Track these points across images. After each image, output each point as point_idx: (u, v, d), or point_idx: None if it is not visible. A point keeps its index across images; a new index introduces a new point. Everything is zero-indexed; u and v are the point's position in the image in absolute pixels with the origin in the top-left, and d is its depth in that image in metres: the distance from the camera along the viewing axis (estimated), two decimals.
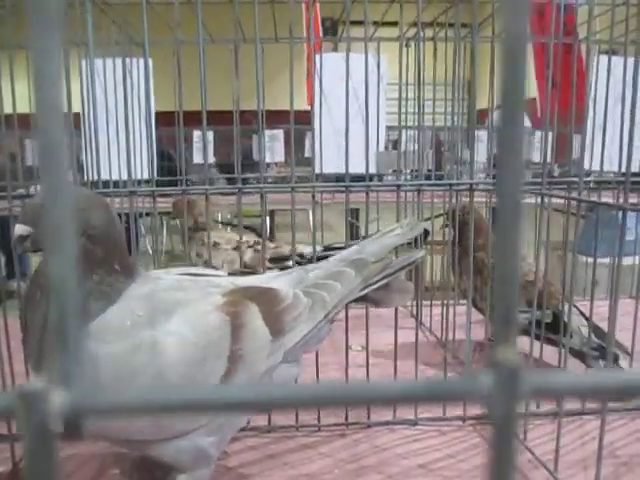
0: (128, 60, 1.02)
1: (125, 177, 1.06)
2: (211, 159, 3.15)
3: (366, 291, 0.69)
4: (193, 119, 0.98)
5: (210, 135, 2.58)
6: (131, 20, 0.96)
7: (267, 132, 2.47)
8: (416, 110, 1.12)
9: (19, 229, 0.60)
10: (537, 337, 0.88)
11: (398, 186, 0.82)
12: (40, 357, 0.59)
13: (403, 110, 0.98)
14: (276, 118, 1.71)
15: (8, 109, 0.83)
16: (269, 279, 0.70)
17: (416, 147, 1.24)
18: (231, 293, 0.64)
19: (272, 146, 2.70)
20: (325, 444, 0.84)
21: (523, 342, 0.94)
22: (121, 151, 1.10)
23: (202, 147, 2.47)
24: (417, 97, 0.87)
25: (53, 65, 0.12)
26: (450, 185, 0.84)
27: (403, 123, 0.95)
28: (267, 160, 2.79)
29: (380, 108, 1.07)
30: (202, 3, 0.82)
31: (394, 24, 1.33)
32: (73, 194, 0.13)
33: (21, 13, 0.84)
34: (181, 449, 0.62)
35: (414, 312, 1.38)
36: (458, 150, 1.09)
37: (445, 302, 1.06)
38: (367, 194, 0.83)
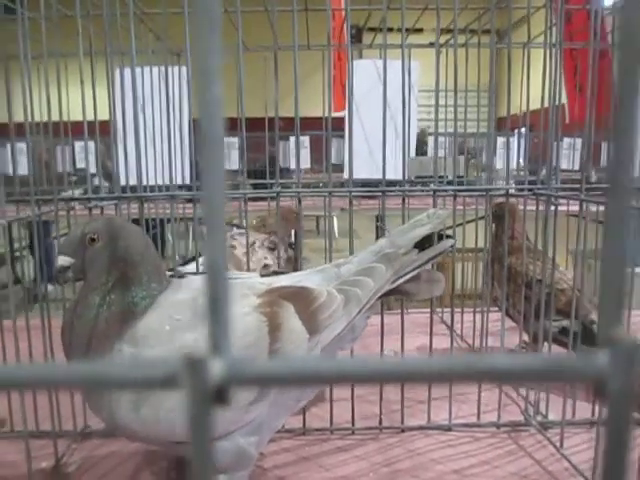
0: (163, 68, 1.04)
1: (160, 182, 1.08)
2: (237, 166, 3.18)
3: (397, 284, 0.69)
4: None
5: (236, 142, 2.61)
6: (164, 27, 0.99)
7: (292, 139, 2.49)
8: (443, 117, 1.12)
9: (61, 260, 0.64)
10: (570, 346, 0.87)
11: (434, 191, 0.82)
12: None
13: (434, 116, 0.99)
14: (302, 125, 1.71)
15: (44, 117, 0.86)
16: (302, 278, 0.71)
17: (443, 153, 1.24)
18: (266, 294, 0.65)
19: (297, 153, 2.68)
20: (359, 447, 0.84)
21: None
22: (157, 157, 1.13)
23: (228, 154, 2.47)
24: (454, 104, 0.88)
25: (215, 64, 0.13)
26: (487, 190, 0.84)
27: (434, 129, 0.95)
28: (293, 166, 2.80)
29: (412, 114, 1.07)
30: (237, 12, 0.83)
31: (419, 31, 1.34)
32: (224, 185, 0.14)
33: (66, 24, 0.87)
34: (223, 450, 0.62)
35: (444, 318, 1.38)
36: (490, 157, 1.09)
37: (477, 309, 1.06)
38: (403, 199, 0.83)
